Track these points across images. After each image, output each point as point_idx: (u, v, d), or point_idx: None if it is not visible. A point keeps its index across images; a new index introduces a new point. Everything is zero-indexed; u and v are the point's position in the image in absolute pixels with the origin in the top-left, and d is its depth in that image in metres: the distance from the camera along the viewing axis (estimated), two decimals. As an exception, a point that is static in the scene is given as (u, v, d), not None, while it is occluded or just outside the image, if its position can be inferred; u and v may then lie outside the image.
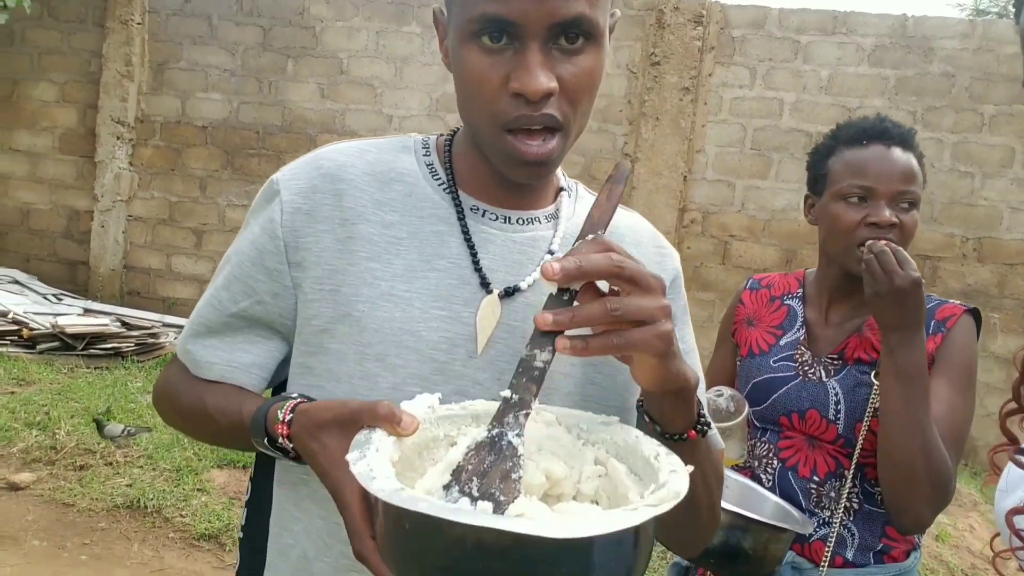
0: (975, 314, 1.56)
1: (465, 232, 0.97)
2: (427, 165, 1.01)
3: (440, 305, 0.94)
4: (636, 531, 0.67)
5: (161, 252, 7.09)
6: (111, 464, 4.05)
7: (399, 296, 0.93)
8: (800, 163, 6.07)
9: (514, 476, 0.73)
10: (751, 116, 6.14)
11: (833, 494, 1.52)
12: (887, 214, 1.47)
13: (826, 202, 1.56)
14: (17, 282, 6.76)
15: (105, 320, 6.14)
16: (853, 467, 1.50)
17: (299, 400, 0.88)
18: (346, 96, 6.72)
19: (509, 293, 0.95)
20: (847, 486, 1.50)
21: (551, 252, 0.98)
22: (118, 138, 6.96)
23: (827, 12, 6.02)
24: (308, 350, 0.97)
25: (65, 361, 5.66)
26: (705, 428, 0.90)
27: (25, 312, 5.98)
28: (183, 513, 3.69)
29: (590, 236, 0.80)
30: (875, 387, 1.49)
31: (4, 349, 5.61)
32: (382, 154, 1.00)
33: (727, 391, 1.58)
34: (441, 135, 1.05)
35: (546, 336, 0.75)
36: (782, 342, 1.63)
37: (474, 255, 0.96)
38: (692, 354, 1.04)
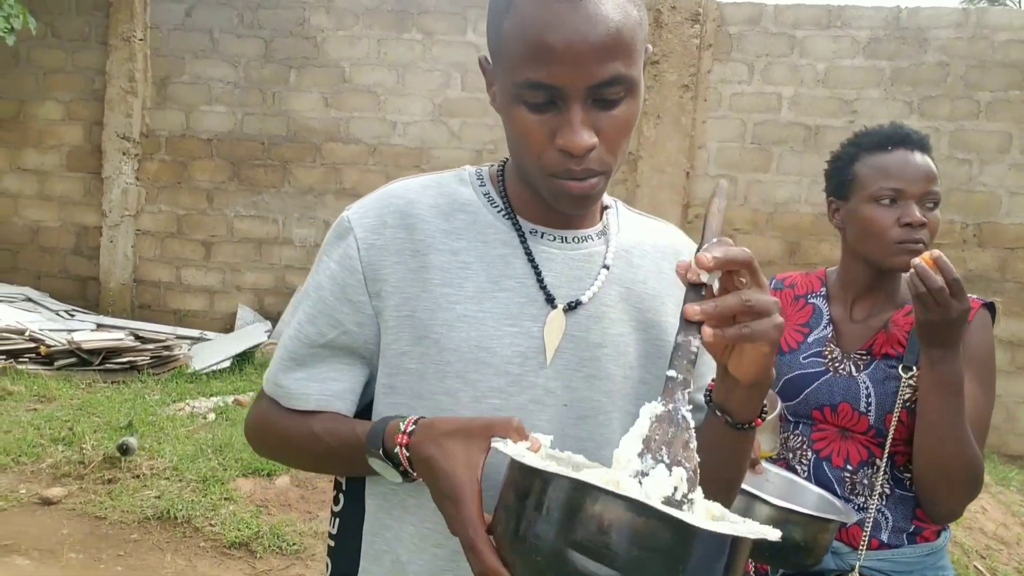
0: (990, 307, 1.63)
1: (528, 253, 1.06)
2: (484, 195, 1.10)
3: (511, 322, 1.03)
4: (739, 545, 0.77)
5: (170, 265, 7.16)
6: (138, 477, 4.12)
7: (473, 317, 1.02)
8: (801, 155, 6.18)
9: (692, 445, 0.82)
10: (750, 111, 6.22)
11: (866, 481, 1.60)
12: (916, 213, 1.56)
13: (855, 206, 1.65)
14: (30, 299, 6.83)
15: (119, 334, 6.21)
16: (886, 456, 1.58)
17: (419, 417, 0.96)
18: (349, 104, 6.80)
19: (572, 307, 1.05)
20: (881, 474, 1.59)
21: (606, 267, 1.08)
22: (124, 154, 7.03)
23: (822, 6, 6.11)
24: (391, 371, 1.05)
25: (83, 376, 5.74)
26: (764, 415, 1.00)
27: (41, 329, 6.05)
28: (212, 522, 3.76)
29: (715, 240, 0.89)
30: (903, 380, 1.57)
31: (23, 366, 5.68)
32: (443, 188, 1.10)
33: None
34: (492, 165, 1.15)
35: (692, 324, 0.85)
36: (810, 339, 1.71)
37: (538, 274, 1.05)
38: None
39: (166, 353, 6.23)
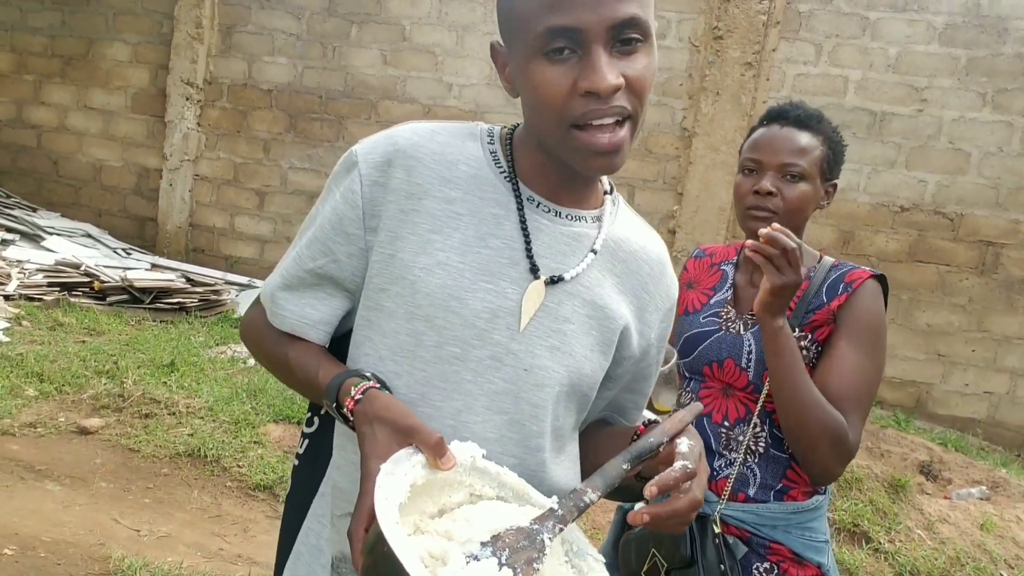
0: (881, 280, 1.70)
1: (522, 219, 1.07)
2: (491, 153, 1.11)
3: (488, 279, 1.05)
4: None
5: (225, 211, 7.30)
6: (174, 414, 4.25)
7: (452, 266, 1.04)
8: (863, 142, 5.99)
9: (535, 565, 0.87)
10: (814, 93, 6.03)
11: (741, 438, 1.69)
12: (765, 183, 1.68)
13: (736, 176, 1.78)
14: (89, 236, 7.05)
15: (171, 276, 6.38)
16: (758, 410, 1.67)
17: (371, 384, 1.00)
18: (408, 63, 6.79)
19: (554, 281, 1.07)
20: (750, 430, 1.68)
21: (594, 251, 1.10)
22: (187, 99, 7.16)
23: (898, -12, 5.87)
24: (369, 305, 1.09)
25: (133, 313, 5.92)
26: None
27: (96, 265, 6.24)
28: (240, 464, 3.87)
29: (652, 440, 0.97)
30: None
31: (76, 300, 5.88)
32: (451, 137, 1.11)
33: None
34: (503, 127, 1.16)
35: (600, 482, 0.93)
36: (712, 301, 1.82)
37: (527, 241, 1.06)
38: (658, 370, 1.28)
39: (214, 297, 6.38)
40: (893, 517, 4.05)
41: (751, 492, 1.67)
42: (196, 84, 7.14)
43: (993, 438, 5.73)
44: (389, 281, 1.06)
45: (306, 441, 1.22)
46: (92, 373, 4.57)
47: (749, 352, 1.68)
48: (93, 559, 2.99)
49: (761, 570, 1.64)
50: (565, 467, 1.15)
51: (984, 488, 4.54)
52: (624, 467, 0.94)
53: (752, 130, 1.79)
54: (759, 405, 1.67)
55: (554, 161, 1.06)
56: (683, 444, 0.95)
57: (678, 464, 0.92)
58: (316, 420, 1.22)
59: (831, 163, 1.72)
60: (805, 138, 1.68)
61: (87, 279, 6.05)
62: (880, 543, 3.86)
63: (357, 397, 0.98)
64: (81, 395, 4.33)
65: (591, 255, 1.09)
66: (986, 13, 5.70)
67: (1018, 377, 5.74)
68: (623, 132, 0.97)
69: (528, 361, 1.06)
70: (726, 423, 1.71)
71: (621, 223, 1.16)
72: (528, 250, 1.06)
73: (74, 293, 5.96)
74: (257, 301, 1.20)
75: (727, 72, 6.08)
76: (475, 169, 1.09)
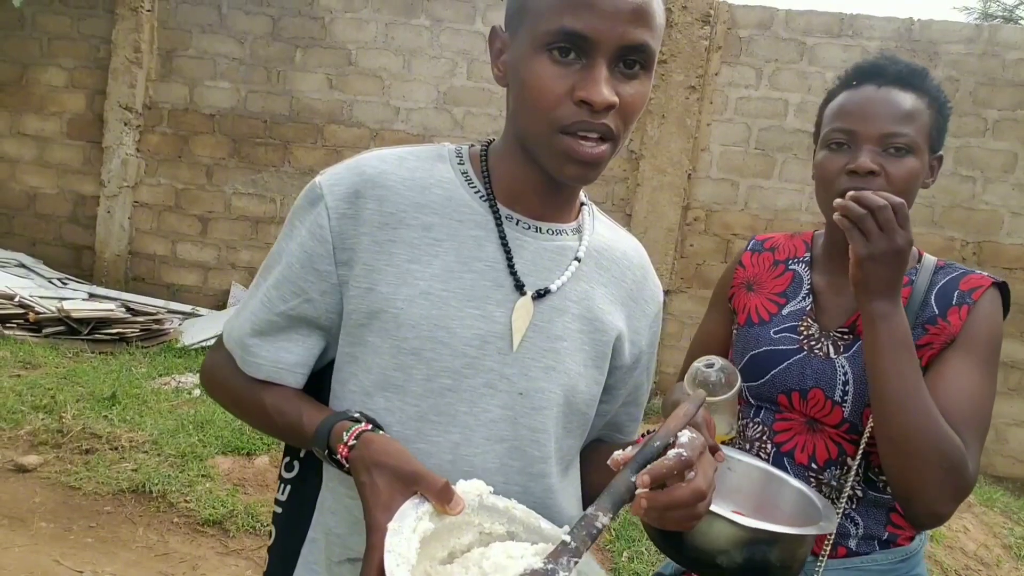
0: (1002, 288, 1.39)
1: (503, 238, 1.04)
2: (462, 174, 1.08)
3: (474, 304, 1.02)
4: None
5: (166, 239, 7.13)
6: (116, 449, 4.09)
7: (436, 295, 1.01)
8: (804, 164, 6.12)
9: None
10: (756, 116, 6.17)
11: (834, 483, 1.39)
12: (864, 159, 1.32)
13: (816, 153, 1.43)
14: (23, 265, 6.80)
15: (110, 305, 6.18)
16: (859, 455, 1.36)
17: (363, 426, 0.95)
18: (354, 87, 6.75)
19: (540, 295, 1.04)
20: (852, 475, 1.37)
21: (578, 259, 1.07)
22: (125, 124, 6.99)
23: (834, 14, 6.05)
24: (351, 340, 1.04)
25: (70, 345, 5.71)
26: None
27: (31, 295, 6.02)
28: (187, 499, 3.74)
29: (658, 443, 0.91)
30: None
31: (10, 332, 5.65)
32: (420, 161, 1.08)
33: (719, 362, 1.40)
34: (473, 145, 1.12)
35: (609, 502, 0.87)
36: (785, 311, 1.48)
37: (510, 260, 1.03)
38: (650, 379, 1.23)
39: (156, 326, 6.21)
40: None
41: (852, 545, 1.38)
42: (135, 109, 6.98)
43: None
44: (369, 315, 1.02)
45: (287, 487, 1.16)
46: (29, 408, 4.39)
47: (845, 382, 1.36)
48: (33, 604, 2.85)
49: None
50: (570, 492, 1.12)
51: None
52: (632, 479, 0.88)
53: (831, 94, 1.43)
54: (860, 448, 1.35)
55: (534, 174, 1.04)
56: (683, 436, 0.90)
57: (672, 452, 0.88)
58: (296, 464, 1.15)
59: (939, 131, 1.39)
60: (910, 100, 1.34)
61: (21, 310, 5.83)
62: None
63: (351, 443, 0.94)
64: (18, 431, 4.15)
65: (575, 264, 1.07)
66: (917, 38, 5.91)
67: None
68: (604, 147, 0.96)
69: (523, 384, 1.03)
70: (814, 465, 1.39)
71: (600, 231, 1.14)
72: (511, 268, 1.03)
73: (8, 325, 5.73)
74: (218, 345, 1.13)
75: (672, 95, 6.17)
76: (449, 191, 1.05)
